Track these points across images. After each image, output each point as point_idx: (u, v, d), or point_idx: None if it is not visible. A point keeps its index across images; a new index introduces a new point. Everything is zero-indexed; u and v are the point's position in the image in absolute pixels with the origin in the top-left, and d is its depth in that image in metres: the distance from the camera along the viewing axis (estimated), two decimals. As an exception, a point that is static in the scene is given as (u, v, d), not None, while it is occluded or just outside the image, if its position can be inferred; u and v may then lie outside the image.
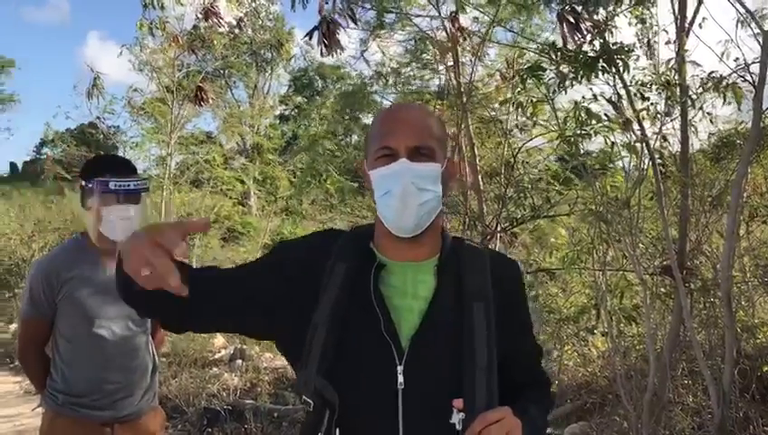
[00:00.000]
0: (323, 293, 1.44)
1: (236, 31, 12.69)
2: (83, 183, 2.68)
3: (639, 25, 4.74)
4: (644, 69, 4.57)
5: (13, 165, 56.78)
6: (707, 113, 4.49)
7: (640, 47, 4.70)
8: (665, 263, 4.44)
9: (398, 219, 1.46)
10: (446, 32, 5.70)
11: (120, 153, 10.87)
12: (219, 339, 8.25)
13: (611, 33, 4.12)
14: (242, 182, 11.47)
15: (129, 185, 2.61)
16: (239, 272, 1.59)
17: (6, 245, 13.13)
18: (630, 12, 4.68)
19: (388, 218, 1.48)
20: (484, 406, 1.40)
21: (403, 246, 1.51)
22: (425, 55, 5.97)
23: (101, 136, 10.88)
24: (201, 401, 6.20)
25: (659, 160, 4.33)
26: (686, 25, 4.49)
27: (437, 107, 6.11)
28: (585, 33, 4.06)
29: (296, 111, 34.33)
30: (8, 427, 5.84)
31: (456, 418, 1.38)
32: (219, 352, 7.93)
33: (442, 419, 1.39)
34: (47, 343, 2.79)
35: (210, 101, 10.21)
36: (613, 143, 4.25)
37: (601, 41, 4.14)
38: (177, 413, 6.17)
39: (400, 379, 1.41)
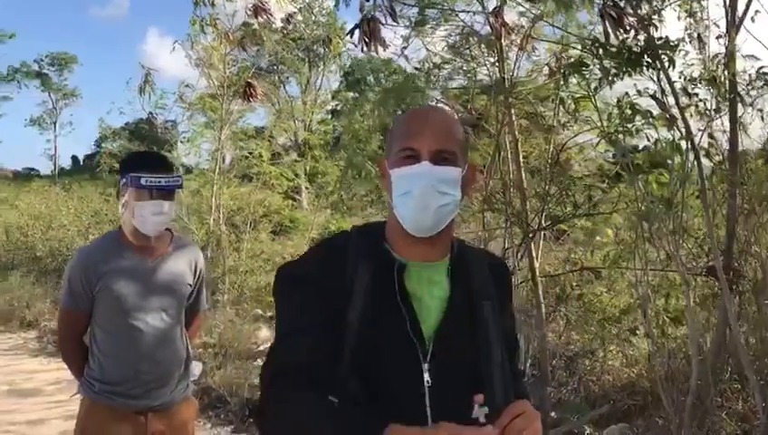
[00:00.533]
0: (349, 296, 1.45)
1: (289, 27, 12.82)
2: (119, 178, 2.76)
3: (689, 19, 4.61)
4: (692, 64, 4.46)
5: (74, 158, 58.86)
6: (759, 110, 4.36)
7: (689, 42, 4.58)
8: (710, 264, 4.32)
9: (417, 220, 1.48)
10: (490, 27, 5.64)
11: (174, 148, 11.12)
12: (264, 331, 8.37)
13: (656, 27, 4.02)
14: (286, 178, 11.55)
15: (160, 181, 2.67)
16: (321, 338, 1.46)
17: (65, 236, 13.53)
18: (680, 5, 4.57)
19: (406, 218, 1.49)
20: (503, 399, 1.45)
21: (418, 247, 1.52)
22: (468, 51, 5.90)
23: (157, 131, 11.11)
24: (244, 391, 6.29)
25: (705, 158, 4.21)
26: (737, 19, 4.36)
27: (480, 103, 6.06)
28: (628, 28, 3.97)
29: (346, 106, 34.53)
30: (60, 411, 6.04)
31: (480, 412, 1.41)
32: (264, 344, 8.03)
33: (466, 414, 1.41)
34: (85, 333, 2.89)
35: (259, 97, 10.33)
36: (657, 140, 4.16)
37: (646, 36, 4.05)
38: (220, 403, 6.28)
39: (426, 377, 1.44)
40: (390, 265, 1.50)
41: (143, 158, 2.88)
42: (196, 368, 3.17)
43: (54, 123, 57.91)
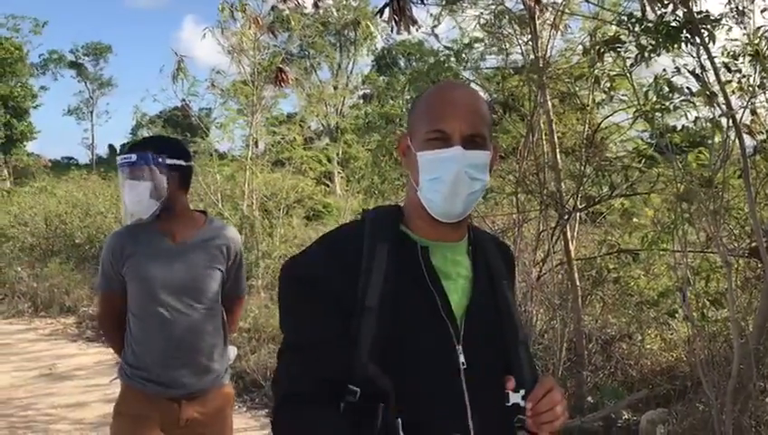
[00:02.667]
0: (367, 279, 1.39)
1: (320, 12, 12.76)
2: None
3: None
4: (735, 40, 4.30)
5: (111, 147, 59.68)
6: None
7: (732, 16, 4.42)
8: (752, 245, 4.19)
9: (446, 206, 1.44)
10: (524, 5, 5.52)
11: (207, 134, 11.20)
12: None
13: (695, 1, 3.88)
14: (319, 162, 11.57)
15: (130, 158, 2.71)
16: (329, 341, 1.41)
17: (103, 223, 13.76)
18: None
19: (435, 203, 1.44)
20: (530, 377, 1.46)
21: (440, 228, 1.49)
22: (500, 30, 5.79)
23: (193, 118, 11.17)
24: (278, 375, 6.32)
25: (747, 135, 4.07)
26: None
27: (513, 83, 5.95)
28: (666, 2, 3.84)
29: (377, 90, 34.41)
30: (99, 395, 6.15)
31: (516, 397, 1.39)
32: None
33: (500, 394, 1.40)
34: (125, 315, 2.88)
35: (290, 82, 10.32)
36: (696, 118, 4.04)
37: (685, 10, 3.91)
38: (254, 387, 6.33)
39: (461, 358, 1.42)
40: (412, 247, 1.46)
41: (134, 142, 2.92)
42: (231, 352, 3.14)
43: (91, 113, 58.95)
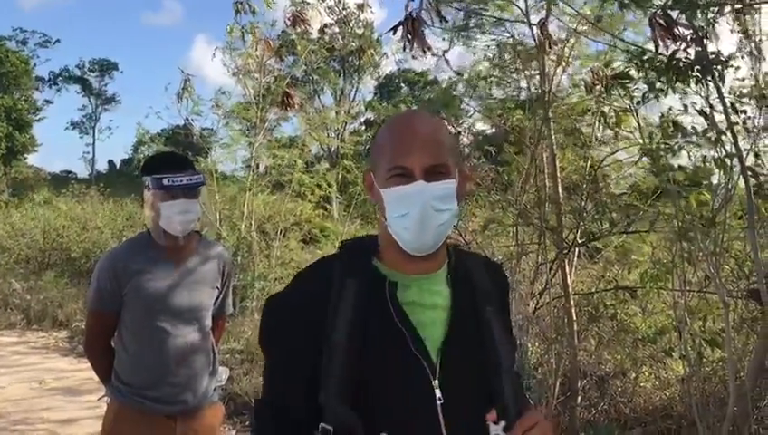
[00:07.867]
0: (334, 314, 1.39)
1: (326, 38, 12.89)
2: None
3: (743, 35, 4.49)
4: (744, 79, 4.34)
5: (111, 163, 59.81)
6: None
7: (741, 57, 4.47)
8: (752, 286, 4.20)
9: (417, 241, 1.42)
10: (534, 39, 5.57)
11: (209, 154, 11.22)
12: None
13: (710, 40, 3.91)
14: (318, 186, 11.57)
15: (182, 180, 2.66)
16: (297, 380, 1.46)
17: (99, 238, 13.73)
18: (734, 20, 4.44)
19: (405, 240, 1.43)
20: (514, 408, 1.42)
21: (415, 261, 1.47)
22: (509, 63, 5.85)
23: (194, 137, 11.19)
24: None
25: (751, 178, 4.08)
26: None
27: (517, 116, 6.00)
28: (678, 39, 3.87)
29: (380, 117, 34.64)
30: (89, 412, 6.08)
31: (497, 429, 1.38)
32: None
33: (482, 427, 1.38)
34: (113, 336, 2.87)
35: (296, 106, 10.38)
36: (704, 158, 4.05)
37: (698, 49, 3.94)
38: (246, 410, 6.26)
39: (438, 394, 1.39)
40: (381, 283, 1.44)
41: (164, 158, 2.88)
42: (224, 373, 3.13)
43: (93, 128, 59.18)
